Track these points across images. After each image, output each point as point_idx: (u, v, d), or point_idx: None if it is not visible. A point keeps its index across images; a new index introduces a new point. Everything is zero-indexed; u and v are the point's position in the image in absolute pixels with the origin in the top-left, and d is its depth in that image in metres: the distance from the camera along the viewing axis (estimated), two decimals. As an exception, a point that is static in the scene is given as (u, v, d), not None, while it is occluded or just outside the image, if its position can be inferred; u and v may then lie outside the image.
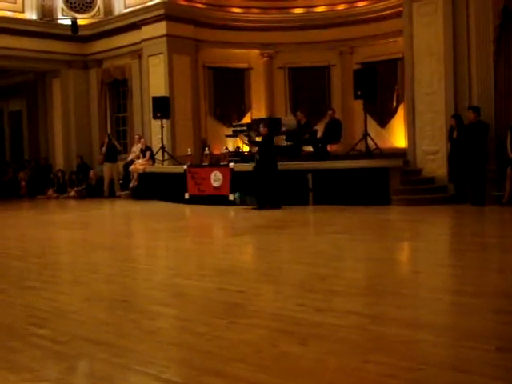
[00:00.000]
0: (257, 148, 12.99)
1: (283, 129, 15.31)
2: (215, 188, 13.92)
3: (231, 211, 12.58)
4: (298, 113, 16.15)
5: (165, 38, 17.50)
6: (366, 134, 13.54)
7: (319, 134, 15.48)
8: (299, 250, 7.26)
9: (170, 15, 17.41)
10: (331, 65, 18.94)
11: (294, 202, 12.57)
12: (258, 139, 13.62)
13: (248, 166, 13.38)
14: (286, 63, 19.27)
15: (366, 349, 3.41)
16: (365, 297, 4.76)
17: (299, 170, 12.98)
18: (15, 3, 18.83)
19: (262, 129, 12.91)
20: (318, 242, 7.96)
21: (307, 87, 19.29)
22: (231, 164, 13.93)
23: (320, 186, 12.70)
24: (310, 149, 15.66)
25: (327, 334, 3.68)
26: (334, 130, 14.98)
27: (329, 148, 15.54)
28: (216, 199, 13.65)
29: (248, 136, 14.38)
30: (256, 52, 19.21)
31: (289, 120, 15.93)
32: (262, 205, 12.30)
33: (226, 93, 19.18)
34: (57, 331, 3.92)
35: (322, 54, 18.73)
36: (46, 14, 19.25)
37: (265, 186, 12.40)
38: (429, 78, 12.69)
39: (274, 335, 3.73)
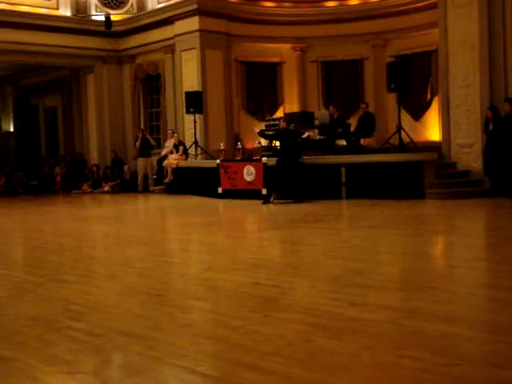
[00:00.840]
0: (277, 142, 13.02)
1: (316, 123, 15.26)
2: (248, 182, 13.92)
3: (264, 205, 12.58)
4: (331, 107, 16.08)
5: (197, 33, 17.54)
6: (399, 128, 13.42)
7: (352, 128, 15.39)
8: (333, 245, 7.23)
9: (202, 10, 17.44)
10: (364, 58, 18.79)
11: (327, 196, 12.53)
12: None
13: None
14: (318, 57, 19.17)
15: (401, 344, 3.38)
16: (400, 291, 4.73)
17: (332, 164, 12.92)
18: (50, 0, 19.05)
19: (281, 123, 12.93)
20: (352, 237, 7.92)
21: (340, 81, 19.18)
22: (264, 158, 13.92)
23: (353, 180, 12.63)
24: (343, 143, 15.58)
25: (362, 329, 3.66)
26: (368, 124, 14.88)
27: (362, 142, 15.46)
28: (249, 193, 13.66)
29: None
30: (288, 46, 19.15)
31: (322, 114, 15.87)
32: (285, 198, 12.35)
33: (259, 87, 19.16)
34: (92, 324, 3.96)
35: (354, 47, 18.59)
36: (80, 10, 19.44)
37: (287, 179, 12.41)
38: (464, 71, 12.53)
39: (308, 329, 3.72)
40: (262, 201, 12.62)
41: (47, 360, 3.29)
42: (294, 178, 12.43)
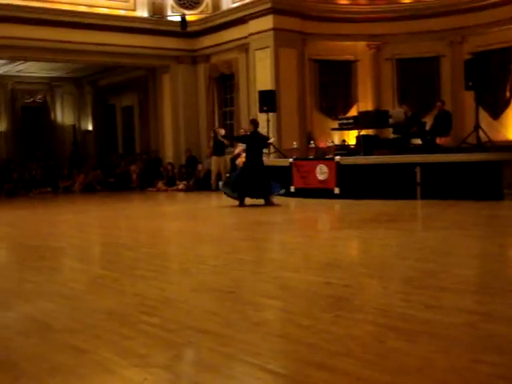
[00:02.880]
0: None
1: (390, 121, 15.05)
2: (321, 181, 13.87)
3: (337, 204, 12.51)
4: (404, 105, 15.81)
5: (272, 32, 17.59)
6: (477, 126, 13.09)
7: (428, 127, 15.10)
8: (407, 245, 7.12)
9: (276, 9, 17.48)
10: (441, 55, 18.42)
11: (401, 196, 12.34)
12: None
13: (354, 159, 13.23)
14: (393, 54, 18.92)
15: (476, 348, 3.30)
16: (476, 294, 4.61)
17: (407, 164, 12.71)
18: (127, 2, 19.49)
19: (248, 127, 12.98)
20: (426, 237, 7.78)
21: (415, 78, 18.87)
22: (337, 157, 13.84)
23: (428, 180, 12.39)
24: (418, 142, 15.31)
25: (436, 332, 3.58)
26: (444, 122, 14.57)
27: (438, 141, 15.13)
28: (321, 192, 13.61)
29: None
30: (363, 44, 18.98)
31: (397, 112, 15.62)
32: (241, 201, 12.44)
33: (332, 86, 19.06)
34: (166, 319, 4.02)
35: (431, 44, 18.24)
36: (157, 11, 19.80)
37: (256, 181, 12.34)
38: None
39: (380, 331, 3.67)
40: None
41: (122, 353, 3.36)
42: (263, 179, 12.38)
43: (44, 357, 3.34)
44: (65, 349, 3.48)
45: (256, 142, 12.76)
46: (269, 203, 12.36)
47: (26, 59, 20.64)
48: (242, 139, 13.19)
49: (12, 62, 21.37)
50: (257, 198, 12.53)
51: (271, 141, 13.33)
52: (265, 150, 16.34)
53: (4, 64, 21.50)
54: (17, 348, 3.54)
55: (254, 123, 12.96)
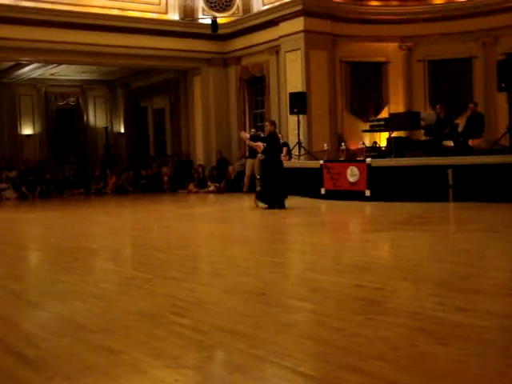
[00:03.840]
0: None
1: (422, 123, 14.93)
2: (351, 183, 13.80)
3: (368, 207, 12.45)
4: (438, 106, 15.66)
5: (302, 34, 17.57)
6: (510, 128, 12.93)
7: (460, 128, 14.95)
8: (439, 248, 7.05)
9: (307, 11, 17.45)
10: (473, 56, 18.21)
11: (433, 198, 12.22)
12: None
13: (385, 161, 13.15)
14: (425, 56, 18.77)
15: (510, 352, 3.25)
16: (510, 297, 4.55)
17: (439, 166, 12.60)
18: (159, 5, 19.62)
19: (268, 127, 12.93)
20: (459, 240, 7.69)
21: (447, 80, 18.68)
22: (368, 159, 13.76)
23: (461, 182, 12.25)
24: (450, 143, 15.16)
25: (469, 335, 3.54)
26: (476, 124, 14.40)
27: (470, 143, 14.96)
28: (352, 195, 13.54)
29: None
30: (394, 45, 18.86)
31: (428, 114, 15.50)
32: (270, 204, 12.24)
33: (363, 87, 18.97)
34: (197, 321, 4.04)
35: (463, 45, 18.05)
36: (188, 14, 19.90)
37: (271, 184, 12.28)
38: None
39: (412, 334, 3.64)
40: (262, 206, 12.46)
41: (153, 354, 3.38)
42: (277, 183, 12.31)
43: (77, 357, 3.38)
44: (97, 349, 3.52)
45: (275, 143, 12.77)
46: (282, 206, 12.28)
47: (59, 62, 20.91)
48: (262, 139, 13.18)
49: (46, 66, 21.65)
50: (268, 203, 12.40)
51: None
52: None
53: (38, 67, 21.80)
54: (50, 347, 3.58)
55: (274, 124, 12.97)
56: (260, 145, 12.87)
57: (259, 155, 13.04)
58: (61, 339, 3.73)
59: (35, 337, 3.83)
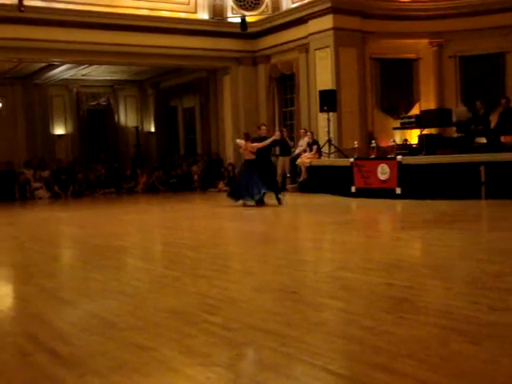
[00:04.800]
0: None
1: (454, 120, 14.77)
2: (382, 181, 13.72)
3: (398, 205, 12.36)
4: (478, 102, 15.41)
5: (331, 31, 17.49)
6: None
7: (492, 125, 14.75)
8: (471, 246, 6.97)
9: (336, 8, 17.37)
10: (505, 51, 17.95)
11: (465, 196, 12.10)
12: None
13: (416, 159, 13.05)
14: (456, 52, 18.54)
15: (545, 351, 3.21)
16: (543, 296, 4.48)
17: (471, 163, 12.46)
18: (188, 4, 19.69)
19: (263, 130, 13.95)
20: (491, 238, 7.61)
21: (479, 76, 18.43)
22: (399, 157, 13.67)
23: (493, 180, 12.10)
24: (482, 140, 14.98)
25: (502, 335, 3.50)
26: (509, 120, 14.19)
27: (503, 139, 14.76)
28: (383, 192, 13.46)
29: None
30: (425, 41, 18.68)
31: (460, 111, 15.34)
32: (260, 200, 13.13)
33: (394, 84, 18.83)
34: (228, 319, 4.05)
35: (495, 40, 17.77)
36: (217, 13, 19.94)
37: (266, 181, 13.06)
38: None
39: (443, 333, 3.61)
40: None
41: (185, 352, 3.40)
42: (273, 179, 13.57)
43: (108, 354, 3.42)
44: (129, 346, 3.55)
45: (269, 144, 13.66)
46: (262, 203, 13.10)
47: (90, 63, 21.09)
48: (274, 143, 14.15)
49: (77, 66, 21.86)
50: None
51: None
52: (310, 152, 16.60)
53: (69, 68, 22.01)
54: (82, 345, 3.62)
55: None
56: (254, 145, 13.43)
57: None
58: (92, 337, 3.77)
59: (67, 334, 3.88)
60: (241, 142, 13.81)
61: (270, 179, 13.38)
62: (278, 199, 13.24)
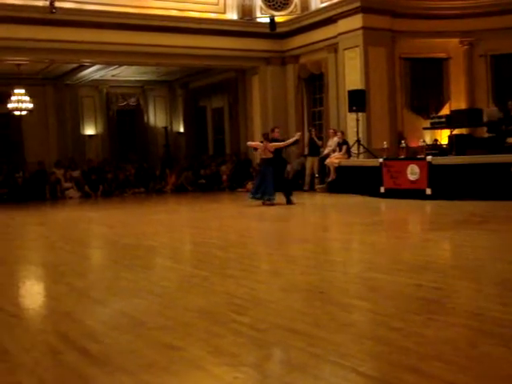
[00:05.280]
0: None
1: (485, 120, 14.61)
2: (412, 182, 13.63)
3: (428, 205, 12.26)
4: (510, 102, 15.23)
5: (361, 31, 17.42)
6: None
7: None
8: (502, 247, 6.89)
9: (366, 7, 17.29)
10: (537, 50, 17.71)
11: (496, 196, 11.96)
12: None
13: (447, 159, 12.94)
14: (487, 51, 18.33)
15: None
16: None
17: (502, 164, 12.32)
18: (217, 5, 19.75)
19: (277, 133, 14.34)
20: (522, 239, 7.51)
21: (511, 75, 18.20)
22: (429, 157, 13.56)
23: (525, 180, 11.96)
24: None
25: (533, 337, 3.46)
26: (541, 120, 14.02)
27: (535, 139, 14.58)
28: (412, 193, 13.37)
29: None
30: (455, 41, 18.50)
31: (491, 111, 15.16)
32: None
33: (424, 84, 18.71)
34: (256, 319, 4.06)
35: (526, 39, 17.57)
36: (246, 13, 19.97)
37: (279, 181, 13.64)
38: None
39: (473, 335, 3.58)
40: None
41: (213, 351, 3.42)
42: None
43: (137, 353, 3.45)
44: (157, 345, 3.57)
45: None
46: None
47: (120, 64, 21.27)
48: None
49: (107, 67, 22.06)
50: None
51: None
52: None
53: (99, 69, 22.22)
54: (111, 343, 3.66)
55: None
56: (260, 145, 13.90)
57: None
58: (122, 335, 3.81)
59: (97, 332, 3.92)
60: (253, 144, 14.21)
61: (281, 179, 13.89)
62: (289, 200, 13.43)
